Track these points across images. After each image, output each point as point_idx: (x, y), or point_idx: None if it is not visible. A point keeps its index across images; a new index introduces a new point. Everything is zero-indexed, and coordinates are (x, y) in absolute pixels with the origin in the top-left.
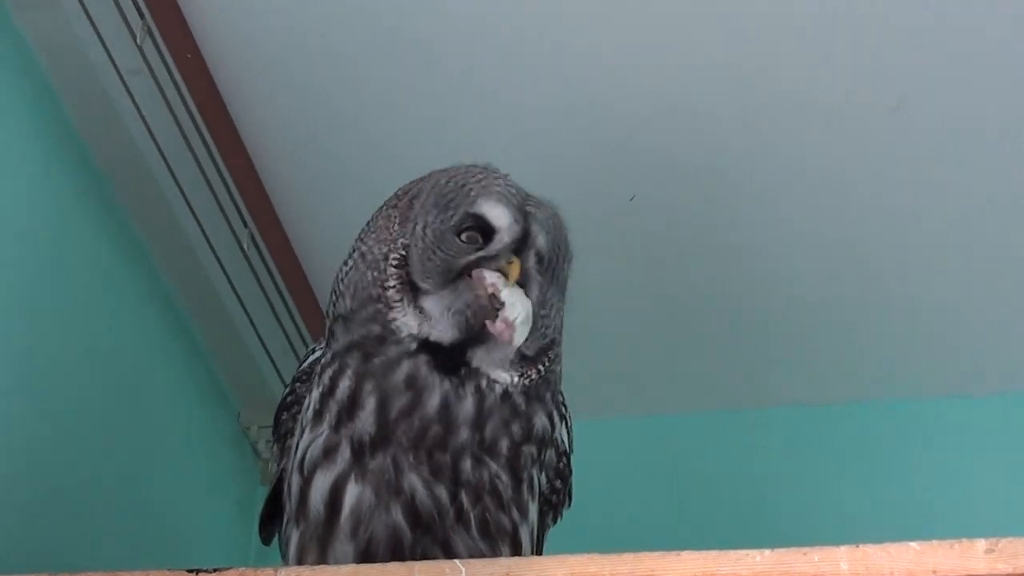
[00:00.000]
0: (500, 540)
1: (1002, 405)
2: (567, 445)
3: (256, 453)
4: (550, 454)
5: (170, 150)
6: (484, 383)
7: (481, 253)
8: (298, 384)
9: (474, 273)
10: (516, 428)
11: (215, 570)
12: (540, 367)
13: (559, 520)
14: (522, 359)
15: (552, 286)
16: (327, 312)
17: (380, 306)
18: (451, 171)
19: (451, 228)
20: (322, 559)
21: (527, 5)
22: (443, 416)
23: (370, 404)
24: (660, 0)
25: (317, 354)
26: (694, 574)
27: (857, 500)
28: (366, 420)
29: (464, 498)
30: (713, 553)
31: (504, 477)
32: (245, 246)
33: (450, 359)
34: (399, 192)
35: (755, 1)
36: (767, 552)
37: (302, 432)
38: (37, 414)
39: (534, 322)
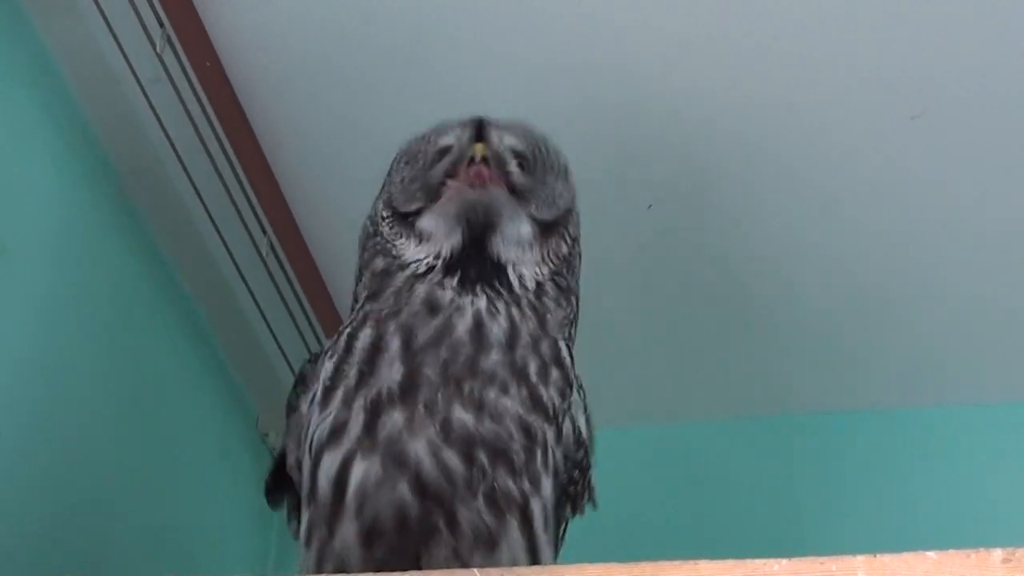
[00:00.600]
0: (508, 511)
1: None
2: (586, 433)
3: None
4: (567, 429)
5: (189, 157)
6: (516, 283)
7: (447, 158)
8: (308, 363)
9: (449, 182)
10: (545, 348)
11: None
12: (564, 242)
13: (580, 513)
14: (543, 227)
15: (548, 173)
16: (355, 292)
17: (378, 239)
18: (417, 133)
19: (423, 168)
20: (329, 539)
21: (541, 11)
22: (475, 336)
23: (394, 344)
24: (678, 6)
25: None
26: None
27: (874, 509)
28: (391, 364)
29: (479, 457)
30: (731, 562)
31: (517, 436)
32: (264, 253)
33: (471, 264)
34: None
35: (769, 7)
36: (784, 561)
37: (310, 417)
38: (55, 421)
39: (539, 193)
